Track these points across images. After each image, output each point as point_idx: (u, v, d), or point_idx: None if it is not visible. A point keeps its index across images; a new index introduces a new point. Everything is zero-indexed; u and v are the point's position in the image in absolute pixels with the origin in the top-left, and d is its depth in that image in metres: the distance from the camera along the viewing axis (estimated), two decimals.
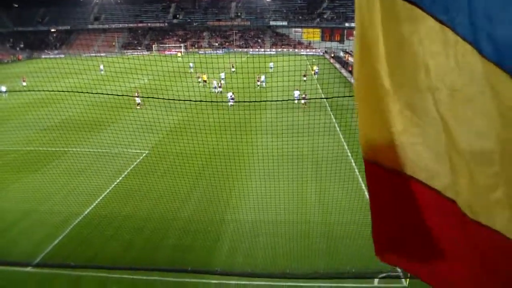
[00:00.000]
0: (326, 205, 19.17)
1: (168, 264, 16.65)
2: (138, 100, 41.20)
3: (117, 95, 15.15)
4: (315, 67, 61.70)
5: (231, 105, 40.35)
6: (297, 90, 41.70)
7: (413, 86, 2.69)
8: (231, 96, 41.41)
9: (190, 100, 15.42)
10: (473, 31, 2.21)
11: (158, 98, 21.62)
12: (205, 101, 20.21)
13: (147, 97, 25.37)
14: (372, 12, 2.80)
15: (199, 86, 49.73)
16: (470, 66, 2.28)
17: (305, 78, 54.25)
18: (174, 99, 15.61)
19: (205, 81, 52.96)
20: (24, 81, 53.77)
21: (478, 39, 2.20)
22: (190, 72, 58.90)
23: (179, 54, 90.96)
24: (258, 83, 51.24)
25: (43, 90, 20.60)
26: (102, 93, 15.27)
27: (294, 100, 40.47)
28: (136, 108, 40.03)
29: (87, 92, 15.61)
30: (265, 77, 52.20)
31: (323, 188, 21.15)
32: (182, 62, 67.89)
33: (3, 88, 48.03)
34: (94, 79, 23.15)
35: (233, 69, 57.53)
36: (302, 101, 41.10)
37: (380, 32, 2.79)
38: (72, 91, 18.25)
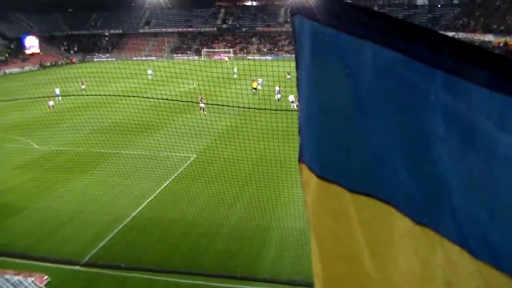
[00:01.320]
0: None
1: (213, 269, 16.72)
2: (202, 104, 41.29)
3: (181, 101, 15.32)
4: None
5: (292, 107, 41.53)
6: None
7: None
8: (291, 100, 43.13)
9: (244, 107, 15.49)
10: (460, 233, 2.11)
11: (218, 105, 21.80)
12: (259, 109, 20.26)
13: (212, 104, 25.57)
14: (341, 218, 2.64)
15: (247, 93, 49.18)
16: (461, 267, 2.16)
17: (289, 76, 56.19)
18: (228, 105, 15.74)
19: (255, 88, 51.85)
20: (82, 84, 54.53)
21: (466, 241, 2.09)
22: (234, 78, 59.00)
23: (226, 59, 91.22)
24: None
25: (93, 95, 21.06)
26: (167, 99, 15.50)
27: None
28: (200, 113, 39.90)
29: (147, 97, 15.86)
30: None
31: None
32: (227, 67, 68.11)
33: (57, 91, 48.55)
34: (145, 83, 23.52)
35: (288, 77, 56.86)
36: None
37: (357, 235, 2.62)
38: (127, 95, 18.55)
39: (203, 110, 41.08)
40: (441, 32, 1.99)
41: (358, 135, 2.27)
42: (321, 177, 2.49)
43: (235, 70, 64.32)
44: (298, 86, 2.51)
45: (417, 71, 1.96)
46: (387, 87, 2.11)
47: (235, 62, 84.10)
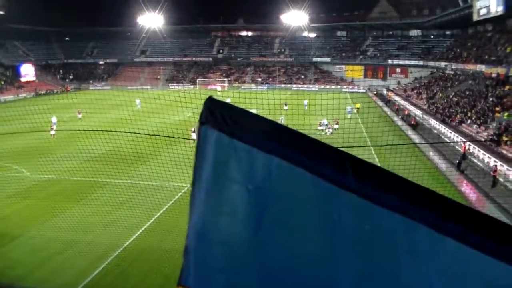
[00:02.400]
0: None
1: None
2: (193, 135, 41.03)
3: (172, 137, 15.43)
4: (348, 107, 58.75)
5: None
6: (324, 119, 45.20)
7: None
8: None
9: None
10: None
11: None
12: None
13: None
14: None
15: None
16: None
17: (286, 107, 55.94)
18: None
19: None
20: (79, 113, 54.57)
21: None
22: None
23: (218, 89, 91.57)
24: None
25: (83, 130, 21.16)
26: (158, 135, 15.61)
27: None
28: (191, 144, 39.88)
29: (133, 132, 15.96)
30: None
31: None
32: (221, 97, 68.13)
33: (54, 119, 48.44)
34: (141, 111, 23.74)
35: (286, 107, 56.70)
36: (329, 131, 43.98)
37: None
38: (116, 131, 18.64)
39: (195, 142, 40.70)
40: (344, 150, 2.05)
41: (256, 257, 2.20)
42: None
43: (229, 100, 63.65)
44: (191, 203, 2.41)
45: (322, 190, 1.97)
46: (291, 204, 2.11)
47: (230, 92, 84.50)
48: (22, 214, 25.40)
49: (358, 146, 34.93)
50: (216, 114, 2.26)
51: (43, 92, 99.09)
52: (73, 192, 28.54)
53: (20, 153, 33.81)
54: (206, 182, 2.32)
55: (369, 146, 39.04)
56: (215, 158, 2.28)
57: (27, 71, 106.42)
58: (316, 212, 2.03)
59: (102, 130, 20.58)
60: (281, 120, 46.92)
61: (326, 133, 44.34)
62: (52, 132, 44.82)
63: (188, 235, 2.44)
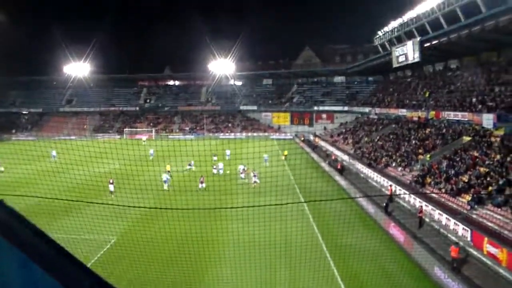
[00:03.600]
0: None
1: None
2: (111, 188, 40.07)
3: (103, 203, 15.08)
4: (265, 155, 58.11)
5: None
6: (241, 165, 45.45)
7: None
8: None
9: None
10: None
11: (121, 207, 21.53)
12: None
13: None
14: None
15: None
16: None
17: (215, 158, 56.07)
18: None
19: (168, 171, 47.77)
20: (1, 166, 52.57)
21: None
22: (151, 160, 58.19)
23: (143, 138, 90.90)
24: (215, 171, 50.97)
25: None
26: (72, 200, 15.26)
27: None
28: (110, 196, 39.00)
29: (52, 198, 15.53)
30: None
31: (294, 277, 20.86)
32: (144, 149, 67.10)
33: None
34: (67, 162, 23.09)
35: (215, 158, 56.23)
36: (253, 181, 43.25)
37: None
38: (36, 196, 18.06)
39: (112, 194, 39.94)
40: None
41: None
42: None
43: (152, 151, 62.96)
44: None
45: None
46: None
47: (158, 141, 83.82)
48: None
49: (292, 203, 35.25)
50: None
51: None
52: None
53: None
54: None
55: (303, 201, 39.30)
56: None
57: None
58: None
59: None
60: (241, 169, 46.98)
61: (249, 182, 43.83)
62: None
63: None
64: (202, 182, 42.66)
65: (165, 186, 42.24)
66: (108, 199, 36.61)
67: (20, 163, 32.86)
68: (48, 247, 2.04)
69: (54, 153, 58.34)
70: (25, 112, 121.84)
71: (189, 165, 51.97)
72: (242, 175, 46.90)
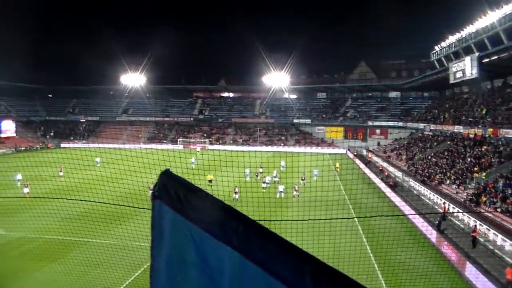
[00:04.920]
0: None
1: None
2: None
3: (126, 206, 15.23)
4: (315, 170, 57.40)
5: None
6: (281, 185, 44.92)
7: None
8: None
9: None
10: None
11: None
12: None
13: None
14: None
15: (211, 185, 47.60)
16: None
17: (261, 170, 56.49)
18: None
19: (210, 180, 47.27)
20: (61, 171, 53.79)
21: None
22: (192, 168, 58.66)
23: (198, 149, 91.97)
24: (264, 185, 49.43)
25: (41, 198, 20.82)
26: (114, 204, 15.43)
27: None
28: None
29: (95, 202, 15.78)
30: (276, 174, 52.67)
31: None
32: (202, 154, 67.54)
33: (19, 177, 47.52)
34: (124, 169, 23.51)
35: (261, 170, 56.64)
36: (295, 193, 43.93)
37: None
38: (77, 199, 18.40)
39: None
40: (306, 251, 1.89)
41: None
42: None
43: (193, 160, 63.51)
44: (152, 277, 2.39)
45: None
46: None
47: (211, 151, 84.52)
48: None
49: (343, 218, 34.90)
50: (170, 190, 2.17)
51: (23, 148, 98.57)
52: (47, 251, 27.84)
53: None
54: (163, 261, 2.27)
55: (353, 217, 38.95)
56: (172, 239, 2.21)
57: (8, 127, 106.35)
58: None
59: (60, 198, 20.23)
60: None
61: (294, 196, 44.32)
62: (26, 190, 43.79)
63: None
64: (236, 193, 42.38)
65: None
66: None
67: (78, 168, 33.77)
68: (247, 227, 1.97)
69: (98, 160, 60.77)
70: (83, 120, 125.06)
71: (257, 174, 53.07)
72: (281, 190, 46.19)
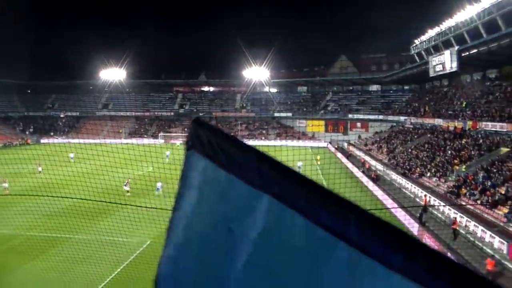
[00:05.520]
0: None
1: None
2: (126, 187, 41.86)
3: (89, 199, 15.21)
4: (299, 163, 57.73)
5: None
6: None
7: None
8: None
9: None
10: None
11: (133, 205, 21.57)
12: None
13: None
14: None
15: None
16: None
17: None
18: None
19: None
20: (40, 166, 53.24)
21: None
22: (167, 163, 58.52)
23: (177, 143, 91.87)
24: None
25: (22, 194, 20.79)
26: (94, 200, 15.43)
27: None
28: (127, 195, 39.83)
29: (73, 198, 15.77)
30: None
31: None
32: (181, 150, 67.18)
33: (5, 185, 45.74)
34: (102, 164, 23.48)
35: None
36: None
37: None
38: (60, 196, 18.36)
39: (129, 193, 41.68)
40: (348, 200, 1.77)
41: None
42: None
43: (167, 153, 62.77)
44: (168, 228, 2.32)
45: (316, 238, 1.77)
46: (278, 249, 1.92)
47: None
48: None
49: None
50: (202, 138, 2.14)
51: (2, 144, 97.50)
52: (29, 248, 27.70)
53: None
54: (188, 213, 2.20)
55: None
56: (200, 189, 2.15)
57: None
58: (305, 261, 1.82)
59: (35, 195, 20.15)
60: None
61: None
62: (5, 185, 43.27)
63: (161, 262, 2.33)
64: None
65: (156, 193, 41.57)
66: (146, 202, 36.96)
67: (56, 164, 33.53)
68: (285, 173, 1.88)
69: (72, 155, 60.94)
70: (62, 116, 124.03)
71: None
72: None
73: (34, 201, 32.21)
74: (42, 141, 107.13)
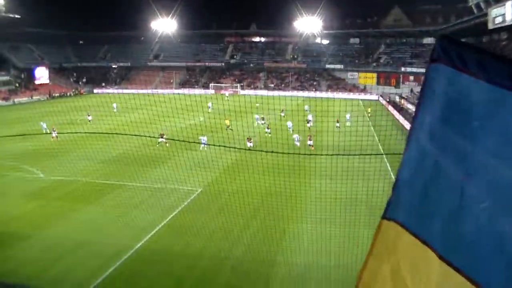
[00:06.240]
0: None
1: None
2: (162, 139, 40.65)
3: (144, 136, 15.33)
4: (347, 115, 55.65)
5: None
6: (296, 134, 42.96)
7: None
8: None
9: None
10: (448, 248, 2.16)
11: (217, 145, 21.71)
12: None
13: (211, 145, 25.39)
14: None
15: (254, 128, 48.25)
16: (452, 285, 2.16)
17: (282, 114, 56.27)
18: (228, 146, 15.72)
19: (227, 126, 47.62)
20: (89, 115, 54.33)
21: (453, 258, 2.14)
22: (208, 112, 58.61)
23: (226, 94, 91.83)
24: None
25: (73, 132, 21.09)
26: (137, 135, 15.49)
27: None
28: (157, 146, 40.32)
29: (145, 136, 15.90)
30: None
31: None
32: (229, 101, 67.51)
33: (44, 125, 46.82)
34: (154, 114, 23.68)
35: (282, 114, 57.23)
36: (309, 143, 41.53)
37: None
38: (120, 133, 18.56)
39: (160, 143, 41.02)
40: None
41: (467, 202, 2.10)
42: (419, 237, 2.34)
43: (210, 104, 64.18)
44: (410, 134, 2.40)
45: None
46: None
47: (242, 97, 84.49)
48: (34, 214, 25.42)
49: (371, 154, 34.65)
50: (450, 51, 2.18)
51: (57, 94, 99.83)
52: (85, 193, 28.53)
53: (32, 154, 33.95)
54: (431, 119, 2.26)
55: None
56: (446, 97, 2.20)
57: (41, 74, 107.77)
58: None
59: (115, 133, 20.43)
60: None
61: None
62: (54, 134, 43.95)
63: (402, 169, 2.41)
64: (249, 141, 40.57)
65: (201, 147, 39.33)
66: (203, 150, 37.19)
67: (107, 114, 34.11)
68: None
69: (115, 105, 60.67)
70: (115, 66, 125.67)
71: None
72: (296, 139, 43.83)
73: (90, 149, 33.03)
74: (95, 91, 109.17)
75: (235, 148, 21.53)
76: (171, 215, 25.52)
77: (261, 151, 22.08)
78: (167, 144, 40.18)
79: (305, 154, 30.29)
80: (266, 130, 48.19)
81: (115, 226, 23.79)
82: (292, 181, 25.50)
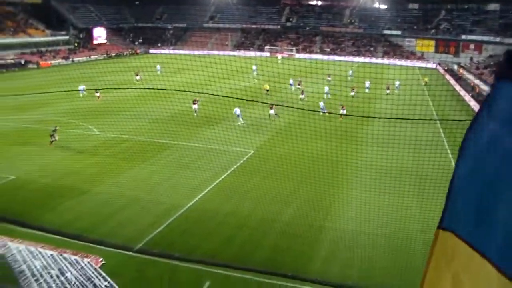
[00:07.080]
0: (428, 224, 18.48)
1: (264, 264, 16.75)
2: (195, 106, 39.27)
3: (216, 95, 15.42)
4: (396, 82, 52.83)
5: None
6: (321, 102, 41.87)
7: None
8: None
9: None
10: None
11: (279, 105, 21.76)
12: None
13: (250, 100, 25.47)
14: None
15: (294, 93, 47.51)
16: None
17: (329, 78, 53.58)
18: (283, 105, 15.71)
19: (267, 90, 47.71)
20: (137, 75, 55.23)
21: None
22: (253, 77, 58.91)
23: (279, 57, 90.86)
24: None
25: (125, 88, 21.30)
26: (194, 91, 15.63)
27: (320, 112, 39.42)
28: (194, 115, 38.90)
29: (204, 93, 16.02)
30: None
31: (425, 207, 20.36)
32: (283, 63, 66.80)
33: (82, 87, 46.68)
34: (209, 75, 23.74)
35: (329, 79, 54.55)
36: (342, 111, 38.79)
37: None
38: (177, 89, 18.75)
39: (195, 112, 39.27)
40: None
41: None
42: (478, 250, 2.21)
43: (254, 67, 62.88)
44: (463, 146, 2.27)
45: None
46: None
47: (297, 60, 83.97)
48: (90, 170, 26.18)
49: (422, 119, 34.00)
50: None
51: (114, 54, 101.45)
52: (138, 151, 29.13)
53: (89, 111, 34.77)
54: (494, 127, 2.12)
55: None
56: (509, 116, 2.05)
57: (99, 34, 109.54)
58: None
59: (177, 90, 20.64)
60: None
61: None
62: (97, 94, 44.87)
63: (456, 178, 2.28)
64: (272, 108, 38.06)
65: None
66: (257, 111, 36.72)
67: (160, 75, 34.14)
68: None
69: (158, 67, 61.33)
70: (170, 27, 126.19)
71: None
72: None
73: (142, 108, 33.57)
74: (150, 51, 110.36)
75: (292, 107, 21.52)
76: (223, 176, 25.87)
77: (309, 110, 21.99)
78: (195, 114, 38.86)
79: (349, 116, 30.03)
80: (301, 96, 47.01)
81: (166, 185, 24.33)
82: (343, 148, 25.39)
